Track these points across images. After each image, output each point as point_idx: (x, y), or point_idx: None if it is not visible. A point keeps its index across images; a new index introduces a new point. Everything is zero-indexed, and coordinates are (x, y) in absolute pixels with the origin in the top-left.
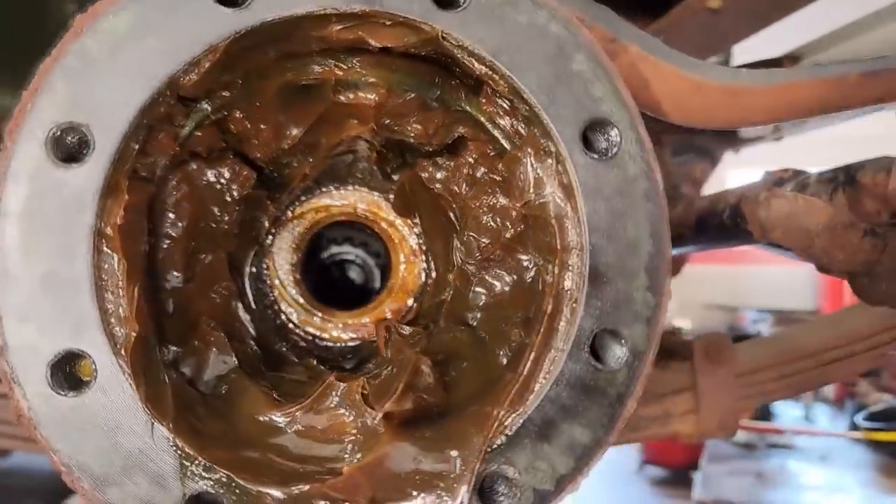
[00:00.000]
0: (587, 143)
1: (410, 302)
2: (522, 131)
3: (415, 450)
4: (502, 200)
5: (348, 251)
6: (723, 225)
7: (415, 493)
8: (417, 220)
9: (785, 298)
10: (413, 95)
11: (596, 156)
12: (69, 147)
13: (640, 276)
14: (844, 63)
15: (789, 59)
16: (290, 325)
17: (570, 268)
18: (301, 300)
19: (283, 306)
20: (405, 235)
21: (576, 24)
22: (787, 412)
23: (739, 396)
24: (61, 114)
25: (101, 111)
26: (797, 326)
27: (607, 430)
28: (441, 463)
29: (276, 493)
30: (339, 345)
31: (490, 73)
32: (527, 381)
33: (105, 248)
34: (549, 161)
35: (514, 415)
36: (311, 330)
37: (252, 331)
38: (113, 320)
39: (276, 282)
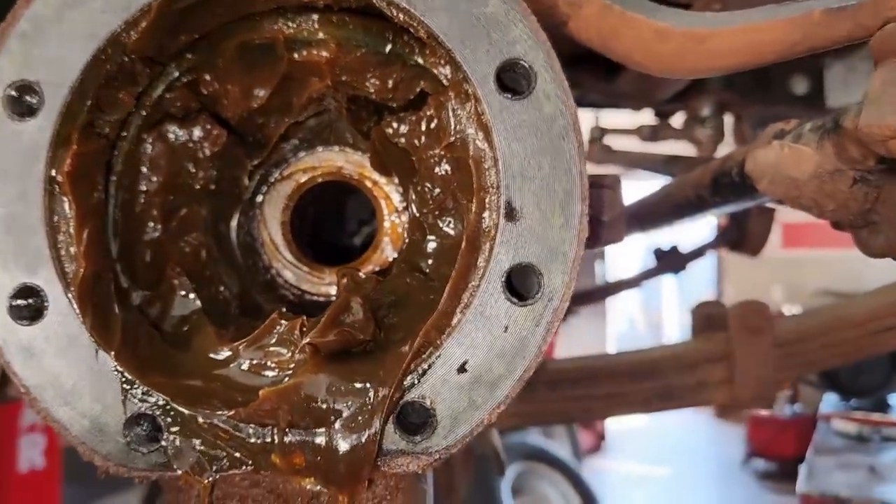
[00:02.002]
0: (501, 83)
1: (393, 256)
2: (451, 75)
3: (332, 379)
4: (437, 145)
5: (336, 208)
6: (733, 183)
7: (333, 418)
8: (396, 178)
9: None
10: (365, 51)
11: (510, 95)
12: (25, 103)
13: (556, 213)
14: (809, 0)
15: None
16: (280, 282)
17: (489, 206)
18: (291, 257)
19: (274, 263)
20: (389, 192)
21: None
22: None
23: (778, 366)
24: (16, 73)
25: (52, 69)
26: (851, 297)
27: (525, 364)
28: (358, 393)
29: (207, 415)
30: (327, 300)
31: (408, 20)
32: (444, 314)
33: (57, 193)
34: (469, 104)
35: (431, 348)
36: (303, 286)
37: (233, 282)
38: (64, 258)
39: (267, 240)
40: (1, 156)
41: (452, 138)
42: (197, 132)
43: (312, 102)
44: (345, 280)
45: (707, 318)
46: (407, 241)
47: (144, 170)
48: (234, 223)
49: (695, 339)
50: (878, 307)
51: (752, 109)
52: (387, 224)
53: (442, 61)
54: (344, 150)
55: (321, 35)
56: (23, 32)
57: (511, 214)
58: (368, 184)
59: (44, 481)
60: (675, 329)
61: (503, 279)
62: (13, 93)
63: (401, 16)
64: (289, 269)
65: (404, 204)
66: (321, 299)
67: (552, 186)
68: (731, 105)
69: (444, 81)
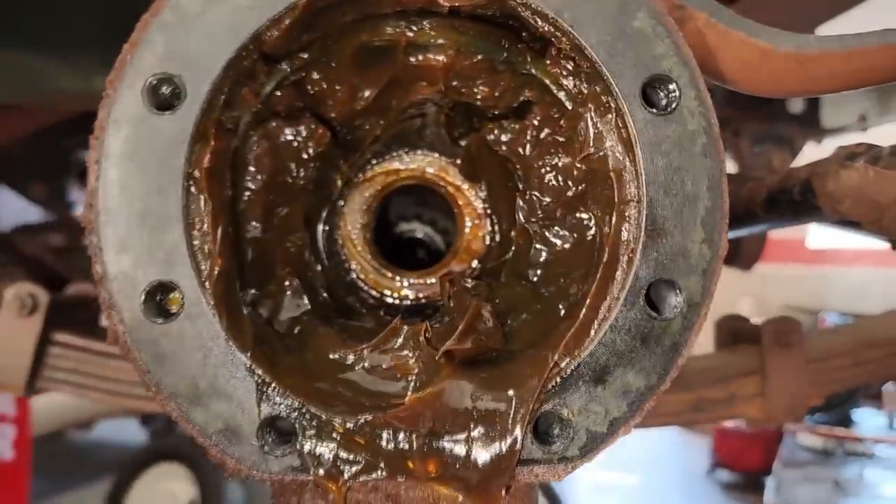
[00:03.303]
0: (647, 98)
1: (475, 264)
2: (585, 90)
3: (473, 387)
4: (564, 160)
5: (418, 213)
6: (793, 201)
7: (473, 426)
8: (483, 185)
9: (869, 301)
10: (481, 57)
11: (655, 111)
12: (164, 96)
13: (697, 229)
14: None
15: None
16: (359, 283)
17: (628, 219)
18: (370, 259)
19: (353, 264)
20: (471, 199)
21: None
22: (869, 420)
23: (809, 382)
24: (158, 65)
25: (193, 63)
26: (875, 316)
27: (661, 377)
28: (498, 402)
29: (344, 419)
30: (405, 303)
31: (553, 30)
32: (583, 327)
33: (193, 190)
34: (610, 116)
35: (570, 359)
36: (379, 288)
37: (323, 282)
38: (199, 256)
39: (348, 241)
40: (138, 149)
41: (591, 150)
42: (302, 131)
43: (413, 106)
44: (450, 286)
45: (735, 331)
46: (513, 249)
47: (252, 168)
48: (320, 225)
49: (724, 353)
50: None
51: (751, 125)
52: (467, 229)
53: (564, 72)
54: (427, 154)
55: (441, 40)
56: (166, 24)
57: (653, 229)
58: (451, 189)
59: (12, 473)
60: None
61: (643, 293)
62: (154, 84)
63: (547, 27)
64: (367, 272)
65: (487, 210)
66: (399, 302)
67: (694, 203)
68: (732, 120)
69: (562, 95)
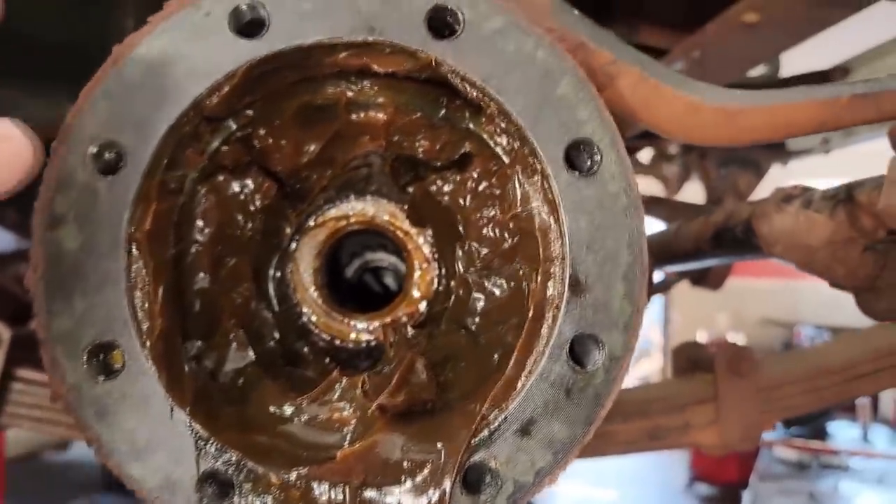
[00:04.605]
0: (570, 161)
1: (423, 307)
2: (516, 148)
3: (404, 439)
4: (499, 214)
5: (366, 258)
6: (737, 239)
7: (403, 478)
8: (430, 231)
9: (843, 314)
10: (420, 114)
11: (578, 173)
12: (107, 160)
13: (618, 285)
14: (838, 84)
15: (839, 71)
16: (311, 327)
17: (553, 277)
18: (322, 303)
19: (305, 309)
20: (419, 244)
21: (561, 50)
22: (844, 432)
23: (762, 409)
24: (101, 131)
25: (135, 129)
26: (824, 342)
27: (584, 428)
28: (429, 453)
29: (280, 473)
30: (355, 346)
31: (481, 96)
32: (510, 380)
33: (135, 251)
34: (536, 178)
35: (497, 411)
36: (330, 332)
37: (274, 331)
38: (141, 314)
39: (300, 285)
40: (83, 212)
41: (519, 209)
42: (249, 184)
43: (358, 157)
44: (393, 336)
45: (690, 359)
46: (453, 298)
47: (199, 222)
48: (271, 271)
49: (680, 381)
50: (853, 356)
51: (717, 148)
52: (416, 273)
53: (498, 130)
54: (376, 199)
55: (380, 99)
56: (109, 92)
57: (576, 286)
58: (399, 233)
59: None
60: None
61: (567, 347)
62: (98, 150)
63: (474, 92)
64: (319, 315)
65: (434, 255)
66: (350, 345)
67: (616, 259)
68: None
69: (499, 150)
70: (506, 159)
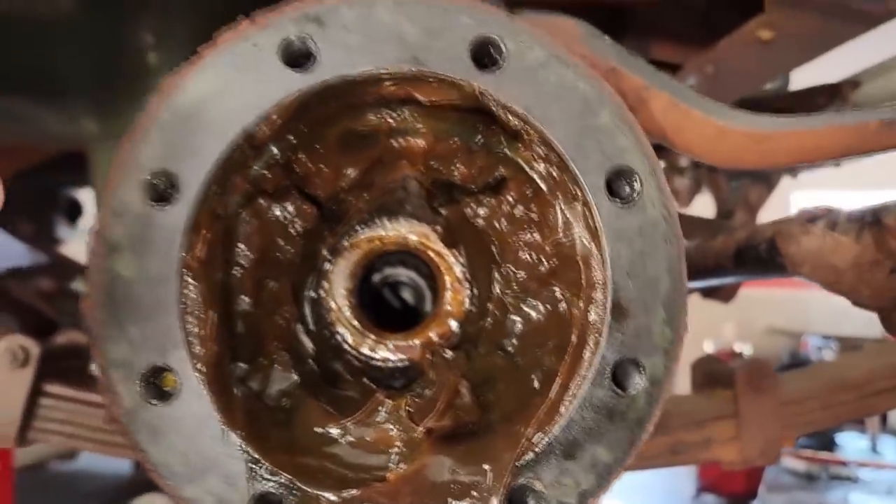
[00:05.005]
0: (611, 189)
1: (455, 327)
2: (556, 175)
3: (451, 462)
4: (537, 237)
5: (385, 273)
6: (760, 258)
7: (451, 500)
8: (462, 252)
9: (851, 324)
10: (457, 140)
11: (619, 202)
12: (160, 189)
13: (659, 310)
14: (866, 111)
15: (849, 85)
16: (346, 347)
17: (595, 302)
18: (356, 323)
19: (339, 328)
20: (451, 264)
21: (601, 80)
22: (852, 443)
23: (782, 425)
24: (156, 161)
25: (189, 159)
26: (843, 356)
27: (627, 451)
28: (475, 475)
29: (331, 496)
30: (389, 365)
31: (523, 125)
32: (554, 404)
33: (189, 278)
34: (577, 205)
35: (541, 434)
36: (364, 351)
37: (311, 351)
38: (193, 339)
39: (334, 306)
40: (138, 240)
41: (561, 236)
42: (289, 208)
43: (395, 181)
44: (431, 357)
45: (710, 374)
46: (490, 320)
47: (241, 245)
48: (307, 292)
49: (700, 396)
50: (872, 370)
51: None
52: (448, 294)
53: (535, 157)
54: (410, 221)
55: (420, 126)
56: (163, 123)
57: (618, 311)
58: (432, 254)
59: None
60: None
61: (609, 372)
62: (152, 179)
63: (515, 121)
64: (352, 335)
65: (466, 275)
66: (384, 364)
67: (656, 285)
68: None
69: (535, 175)
70: (542, 185)
